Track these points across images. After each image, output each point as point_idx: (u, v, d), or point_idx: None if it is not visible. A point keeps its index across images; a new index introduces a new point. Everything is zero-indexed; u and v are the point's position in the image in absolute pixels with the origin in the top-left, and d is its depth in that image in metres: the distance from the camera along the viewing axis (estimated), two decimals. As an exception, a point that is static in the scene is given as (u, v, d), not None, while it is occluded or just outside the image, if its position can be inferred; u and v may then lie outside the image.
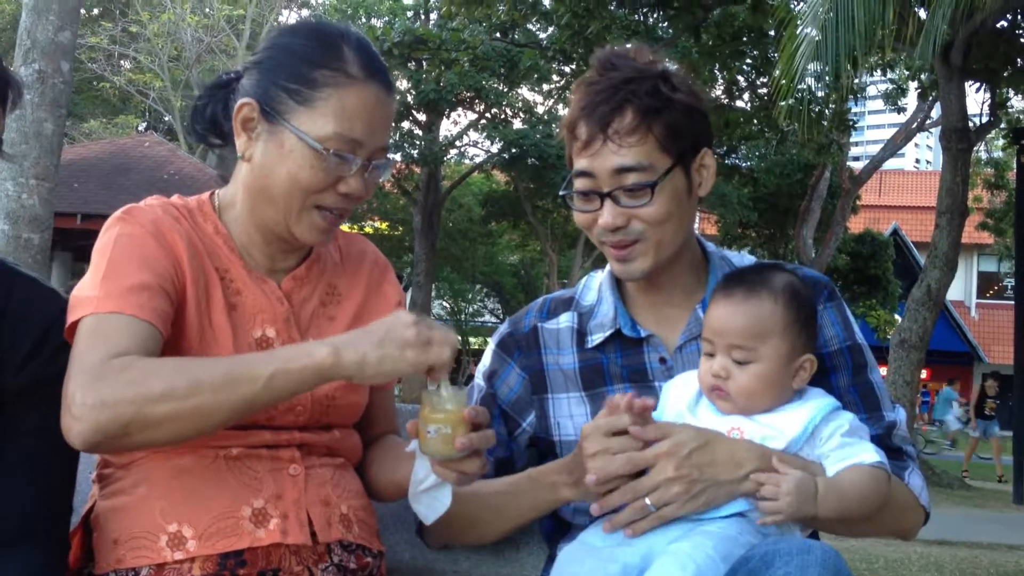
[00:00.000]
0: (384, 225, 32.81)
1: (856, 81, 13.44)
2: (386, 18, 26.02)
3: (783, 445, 1.87)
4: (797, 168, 25.81)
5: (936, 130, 22.02)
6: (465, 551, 2.35)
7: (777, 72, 11.33)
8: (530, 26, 21.77)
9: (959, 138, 14.31)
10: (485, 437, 1.75)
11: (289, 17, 32.61)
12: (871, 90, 30.63)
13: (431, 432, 1.71)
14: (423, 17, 27.43)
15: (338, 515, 1.90)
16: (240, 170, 1.95)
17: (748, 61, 19.49)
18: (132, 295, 1.76)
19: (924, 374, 20.99)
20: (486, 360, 2.21)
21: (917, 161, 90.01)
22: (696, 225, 2.19)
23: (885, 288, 30.63)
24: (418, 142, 26.36)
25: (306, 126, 1.84)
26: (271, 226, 1.93)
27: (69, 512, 1.90)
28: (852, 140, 30.82)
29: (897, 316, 25.77)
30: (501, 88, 25.89)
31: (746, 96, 21.55)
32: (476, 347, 35.73)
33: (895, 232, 37.69)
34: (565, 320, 2.16)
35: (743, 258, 2.16)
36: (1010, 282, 40.01)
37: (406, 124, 27.03)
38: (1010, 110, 20.38)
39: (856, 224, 31.78)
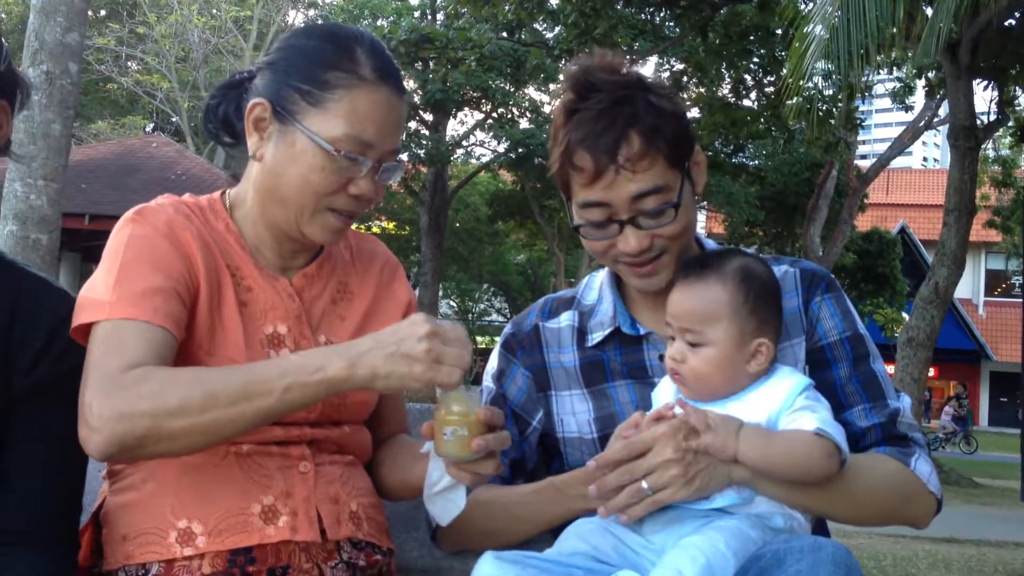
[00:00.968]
0: (391, 225, 32.85)
1: (864, 79, 13.40)
2: (392, 18, 26.04)
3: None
4: (804, 167, 25.80)
5: (944, 128, 21.99)
6: (474, 551, 2.35)
7: (785, 71, 11.31)
8: (537, 25, 21.76)
9: (967, 136, 14.27)
10: (501, 438, 1.75)
11: (296, 18, 32.66)
12: (878, 88, 30.56)
13: (447, 434, 1.71)
14: (429, 17, 27.45)
15: (348, 512, 1.91)
16: (251, 169, 1.96)
17: (755, 60, 19.49)
18: (145, 299, 1.76)
19: (932, 372, 20.96)
20: (493, 362, 2.22)
21: (925, 159, 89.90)
22: (703, 224, 2.19)
23: (892, 286, 30.60)
24: (425, 142, 26.40)
25: (317, 127, 1.84)
26: (281, 225, 1.93)
27: (78, 511, 1.90)
28: (859, 138, 30.78)
29: (904, 314, 25.71)
30: (508, 87, 25.92)
31: (753, 95, 21.54)
32: (483, 346, 35.75)
33: (902, 230, 37.68)
34: (566, 319, 2.17)
35: (713, 248, 2.16)
36: (1018, 280, 40.03)
37: (413, 124, 27.07)
38: (1018, 108, 20.28)
39: (863, 222, 31.73)
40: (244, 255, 1.95)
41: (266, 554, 1.79)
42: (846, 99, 16.73)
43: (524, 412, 2.15)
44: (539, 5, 16.95)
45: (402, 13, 26.48)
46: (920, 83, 22.67)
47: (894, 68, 21.03)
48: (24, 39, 8.56)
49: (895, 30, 10.36)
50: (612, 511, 1.82)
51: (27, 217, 8.38)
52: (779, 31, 16.17)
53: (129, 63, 31.36)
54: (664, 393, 1.99)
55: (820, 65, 11.33)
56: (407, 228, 32.87)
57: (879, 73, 20.51)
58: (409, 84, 24.89)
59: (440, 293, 32.49)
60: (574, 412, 2.11)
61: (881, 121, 77.32)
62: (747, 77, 20.68)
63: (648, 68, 22.89)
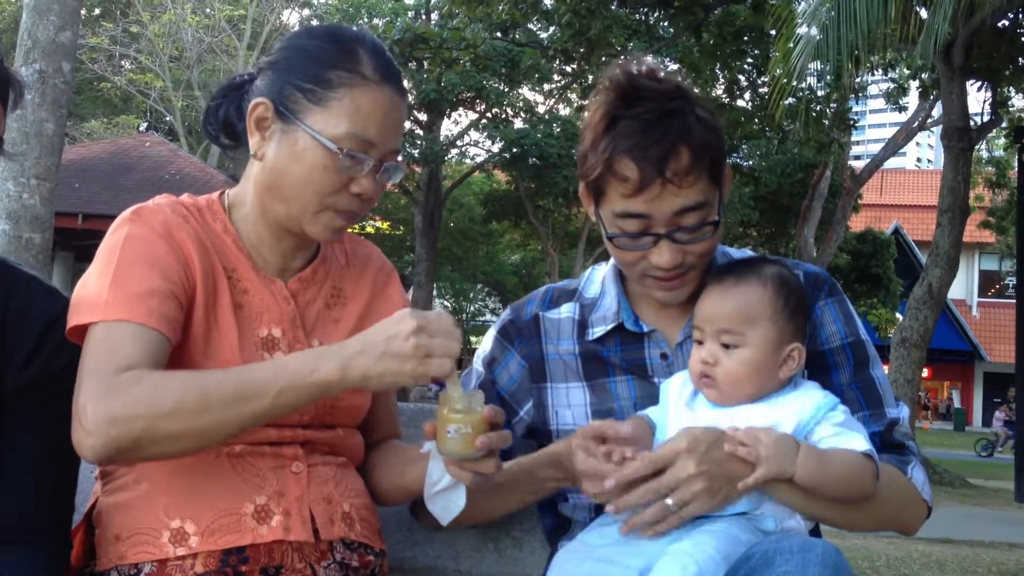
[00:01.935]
0: (385, 225, 32.81)
1: (857, 80, 13.43)
2: (387, 18, 26.03)
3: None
4: (798, 167, 25.82)
5: (937, 129, 22.02)
6: (467, 550, 2.35)
7: (780, 71, 11.32)
8: (531, 25, 21.77)
9: (960, 137, 14.29)
10: (503, 436, 1.76)
11: (290, 17, 32.64)
12: (872, 89, 30.65)
13: (451, 432, 1.71)
14: (424, 16, 27.44)
15: (340, 513, 1.91)
16: (252, 169, 1.96)
17: (749, 60, 19.50)
18: (140, 301, 1.76)
19: (925, 373, 21.00)
20: (486, 346, 2.20)
21: (918, 160, 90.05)
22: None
23: (886, 287, 30.67)
24: (419, 142, 26.39)
25: (320, 126, 1.85)
26: (283, 222, 1.93)
27: (71, 511, 1.90)
28: (853, 139, 30.84)
29: (898, 315, 25.77)
30: (502, 88, 25.92)
31: (747, 95, 21.57)
32: (477, 346, 35.72)
33: (896, 231, 37.73)
34: (567, 310, 2.16)
35: (744, 255, 2.17)
36: (1011, 281, 40.03)
37: (407, 124, 27.01)
38: (1011, 109, 20.34)
39: (857, 223, 31.80)
40: (241, 256, 1.95)
41: (259, 554, 1.79)
42: (839, 99, 16.75)
43: (513, 401, 2.13)
44: (533, 6, 16.94)
45: (397, 12, 26.47)
46: (914, 84, 22.70)
47: (888, 69, 21.05)
48: (17, 38, 8.54)
49: (888, 31, 10.36)
50: (635, 527, 1.79)
51: (20, 216, 8.36)
52: (773, 32, 16.19)
53: (123, 62, 31.30)
54: (675, 391, 1.98)
55: (813, 66, 11.32)
56: (401, 228, 32.85)
57: (873, 74, 20.54)
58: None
59: (434, 293, 32.48)
60: (570, 404, 2.10)
61: (875, 122, 77.49)
62: (741, 78, 20.69)
63: (611, 68, 22.84)
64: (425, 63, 23.71)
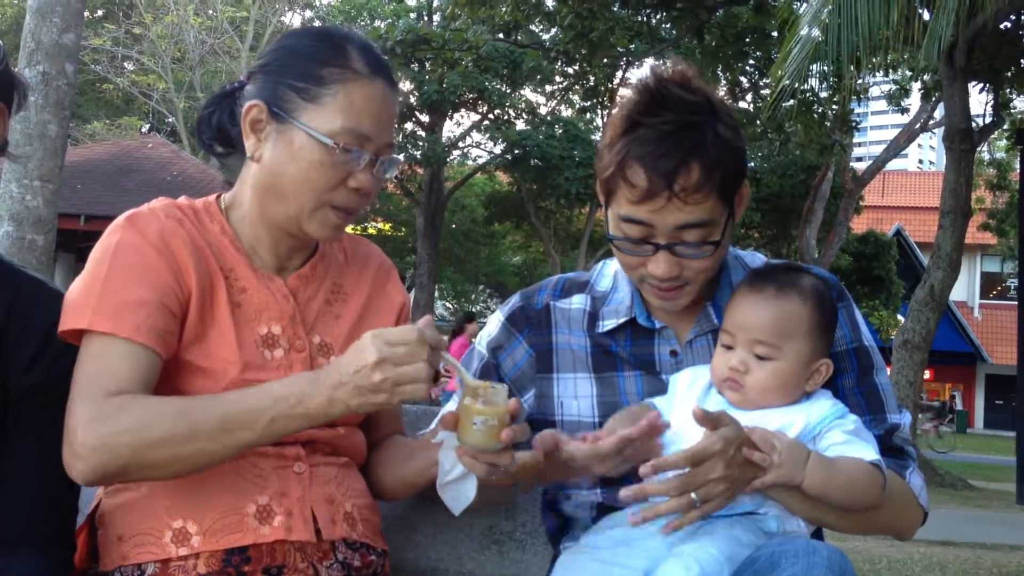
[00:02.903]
0: (387, 226, 32.83)
1: (859, 82, 13.44)
2: (389, 19, 26.05)
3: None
4: (800, 169, 25.82)
5: (939, 131, 22.01)
6: (470, 551, 2.35)
7: (781, 72, 11.32)
8: (533, 27, 21.76)
9: (962, 139, 14.29)
10: (524, 430, 1.76)
11: (292, 18, 32.65)
12: (874, 91, 30.60)
13: (477, 423, 1.71)
14: (426, 18, 27.46)
15: (342, 513, 1.92)
16: (248, 171, 1.96)
17: (751, 62, 19.49)
18: (128, 312, 1.77)
19: (927, 374, 21.00)
20: (492, 330, 2.19)
21: (920, 162, 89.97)
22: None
23: (888, 288, 30.66)
24: (421, 143, 26.39)
25: (315, 123, 1.86)
26: (281, 223, 1.94)
27: (74, 512, 1.91)
28: (855, 141, 30.84)
29: (900, 316, 25.78)
30: (504, 89, 25.93)
31: (749, 97, 21.56)
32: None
33: (898, 232, 37.71)
34: (578, 302, 2.16)
35: (755, 257, 2.17)
36: (1013, 282, 40.03)
37: (409, 125, 27.05)
38: (1013, 111, 20.34)
39: (859, 224, 31.80)
40: (239, 257, 1.96)
41: (261, 553, 1.80)
42: (841, 101, 16.75)
43: (515, 388, 2.12)
44: (535, 7, 16.96)
45: (399, 14, 26.48)
46: (916, 85, 22.70)
47: (890, 70, 21.04)
48: (20, 40, 8.55)
49: (889, 33, 10.36)
50: (651, 517, 1.77)
51: (23, 218, 8.37)
52: (775, 33, 16.18)
53: (125, 64, 31.33)
54: (685, 384, 1.98)
55: (815, 67, 11.32)
56: (403, 229, 32.86)
57: (875, 75, 20.55)
58: (405, 85, 24.89)
59: (436, 294, 32.48)
60: (576, 395, 2.09)
61: (877, 123, 77.44)
62: (743, 79, 20.69)
63: (644, 70, 22.87)
64: (427, 64, 23.74)
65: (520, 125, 27.16)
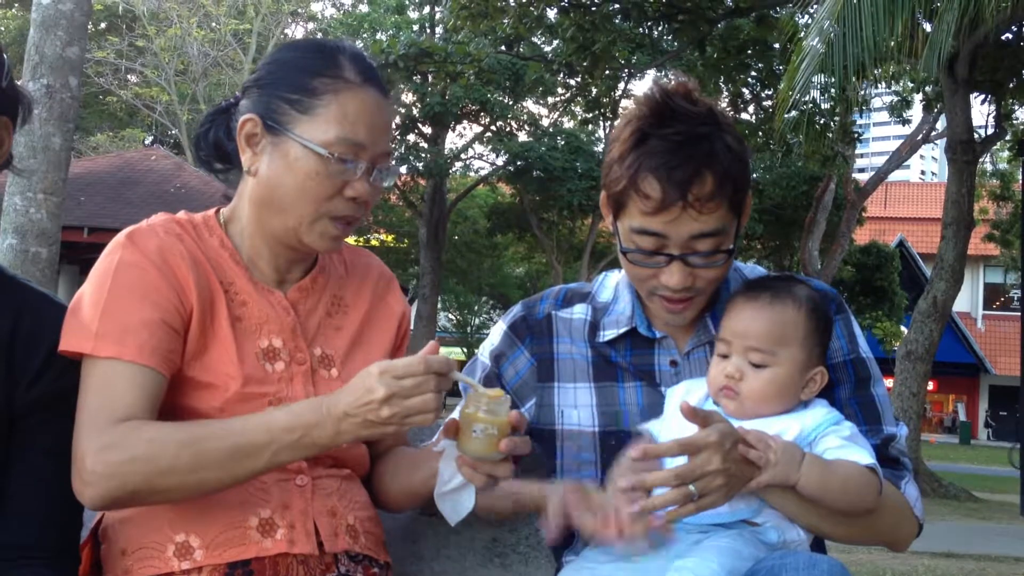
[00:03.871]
0: (390, 238, 32.86)
1: (861, 93, 13.46)
2: (391, 32, 26.10)
3: None
4: (802, 180, 25.84)
5: (941, 142, 22.06)
6: (473, 565, 2.35)
7: (783, 85, 11.34)
8: (535, 39, 21.82)
9: (964, 150, 14.31)
10: (525, 442, 1.76)
11: (295, 31, 32.74)
12: (876, 102, 30.64)
13: (476, 431, 1.71)
14: (428, 31, 27.52)
15: (345, 526, 1.91)
16: (245, 185, 1.97)
17: (753, 74, 19.52)
18: (131, 335, 1.78)
19: (931, 386, 20.96)
20: (494, 340, 2.20)
21: (923, 173, 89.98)
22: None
23: (891, 300, 30.66)
24: (424, 155, 26.44)
25: (309, 134, 1.86)
26: (279, 236, 1.94)
27: (79, 526, 1.91)
28: (857, 152, 30.83)
29: (903, 328, 25.74)
30: (506, 101, 25.99)
31: (751, 108, 21.58)
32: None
33: (901, 244, 37.73)
34: (579, 311, 2.17)
35: (754, 269, 2.18)
36: (1016, 293, 40.05)
37: (412, 137, 27.12)
38: (1015, 122, 20.36)
39: (862, 236, 31.79)
40: (239, 270, 1.96)
41: (264, 567, 1.80)
42: (843, 113, 16.76)
43: (516, 397, 2.13)
44: (538, 19, 16.98)
45: (401, 27, 26.54)
46: (918, 97, 22.73)
47: (892, 82, 21.08)
48: (24, 53, 8.57)
49: (892, 44, 10.37)
50: (649, 508, 1.76)
51: (27, 231, 8.38)
52: (776, 45, 16.22)
53: (129, 76, 31.40)
54: (679, 397, 1.97)
55: (817, 79, 11.34)
56: (406, 241, 32.88)
57: (877, 87, 20.58)
58: (408, 97, 24.97)
59: (439, 306, 32.48)
60: (577, 404, 2.10)
61: (879, 135, 77.43)
62: (745, 91, 20.71)
63: (646, 82, 22.94)
64: (430, 76, 23.78)
65: (522, 137, 27.22)
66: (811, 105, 13.17)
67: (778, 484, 1.80)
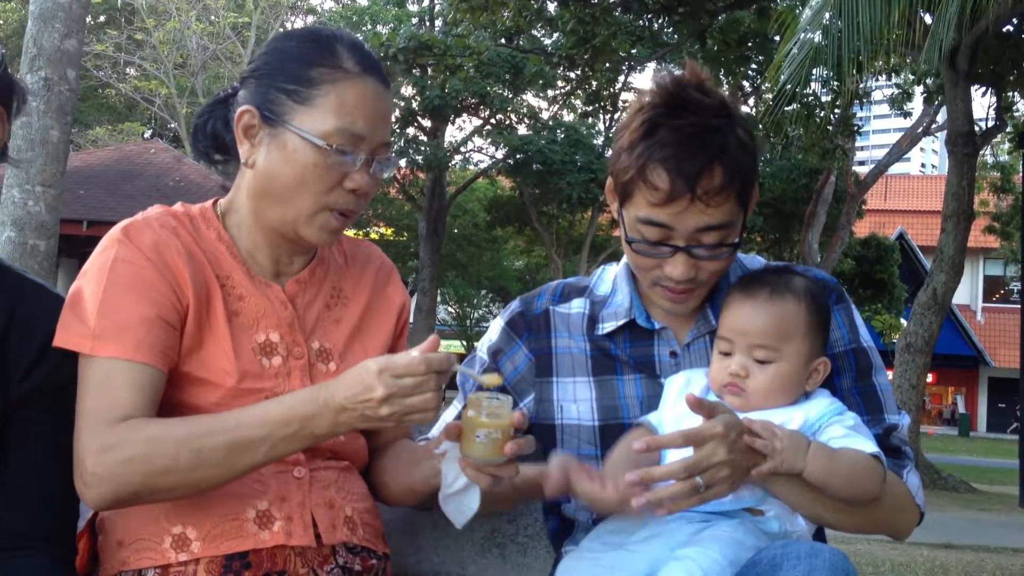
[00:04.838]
0: (389, 231, 32.85)
1: (861, 86, 13.46)
2: (391, 25, 26.07)
3: None
4: (802, 173, 25.81)
5: (942, 134, 22.05)
6: (472, 555, 2.35)
7: (784, 77, 11.32)
8: (535, 32, 21.80)
9: (965, 142, 14.31)
10: (529, 442, 1.75)
11: (294, 24, 32.69)
12: (876, 95, 30.62)
13: (480, 436, 1.70)
14: (428, 24, 27.49)
15: (343, 517, 1.91)
16: (243, 177, 1.95)
17: (753, 66, 19.52)
18: (129, 333, 1.77)
19: (930, 378, 20.98)
20: (492, 336, 2.20)
21: (923, 165, 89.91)
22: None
23: (891, 292, 30.66)
24: (423, 148, 26.43)
25: (307, 125, 1.84)
26: (277, 228, 1.92)
27: (75, 517, 1.91)
28: (857, 145, 30.84)
29: (903, 320, 25.75)
30: (506, 94, 25.94)
31: (751, 101, 21.58)
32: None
33: (901, 236, 37.74)
34: (577, 306, 2.16)
35: (754, 259, 2.18)
36: (1016, 286, 40.03)
37: (411, 130, 27.10)
38: (1016, 114, 20.34)
39: (862, 228, 31.79)
40: (236, 263, 1.94)
41: (261, 559, 1.80)
42: (843, 105, 16.77)
43: (515, 392, 2.12)
44: (537, 12, 16.98)
45: (401, 20, 26.51)
46: (918, 89, 22.71)
47: (892, 74, 21.06)
48: (22, 45, 8.57)
49: (891, 36, 10.36)
50: (655, 500, 1.75)
51: (25, 223, 8.39)
52: (777, 37, 16.21)
53: (127, 69, 31.40)
54: (679, 388, 1.97)
55: (817, 71, 11.32)
56: (405, 234, 32.88)
57: (877, 79, 20.56)
58: (407, 90, 24.94)
59: (438, 299, 32.49)
60: (576, 399, 2.09)
61: (879, 127, 77.38)
62: (745, 84, 20.71)
63: (646, 75, 22.97)
64: (429, 69, 23.75)
65: (522, 130, 27.19)
66: (811, 97, 13.16)
67: (785, 472, 1.79)
